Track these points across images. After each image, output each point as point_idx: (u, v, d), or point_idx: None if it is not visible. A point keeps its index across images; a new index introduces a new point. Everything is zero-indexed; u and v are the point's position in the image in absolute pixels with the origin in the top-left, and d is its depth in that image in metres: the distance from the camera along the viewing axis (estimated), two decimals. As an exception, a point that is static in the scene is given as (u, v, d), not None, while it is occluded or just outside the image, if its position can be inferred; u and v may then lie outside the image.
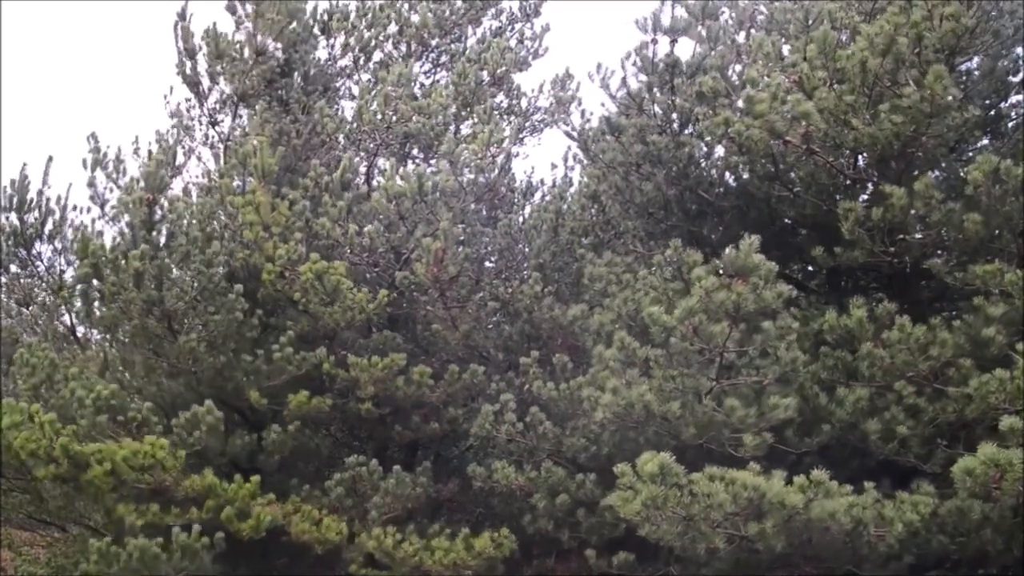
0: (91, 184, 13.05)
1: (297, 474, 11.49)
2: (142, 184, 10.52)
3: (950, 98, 8.72)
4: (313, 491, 11.02)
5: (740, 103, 10.11)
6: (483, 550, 10.58)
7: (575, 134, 12.95)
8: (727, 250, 7.99)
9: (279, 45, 13.34)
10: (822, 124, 9.15)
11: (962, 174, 9.74)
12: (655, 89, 11.18)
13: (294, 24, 13.29)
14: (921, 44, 8.79)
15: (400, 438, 11.92)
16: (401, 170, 11.77)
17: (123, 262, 10.36)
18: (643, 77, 11.35)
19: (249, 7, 13.46)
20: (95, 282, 10.70)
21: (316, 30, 13.91)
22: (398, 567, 10.61)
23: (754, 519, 7.47)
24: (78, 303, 11.54)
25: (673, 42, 11.24)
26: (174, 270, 10.78)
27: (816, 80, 9.31)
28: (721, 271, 8.05)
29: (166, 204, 10.82)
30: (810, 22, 10.63)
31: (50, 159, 12.74)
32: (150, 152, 12.96)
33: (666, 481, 7.42)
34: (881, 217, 8.95)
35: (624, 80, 11.43)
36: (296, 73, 13.67)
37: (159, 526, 10.26)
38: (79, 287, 11.14)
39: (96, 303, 11.06)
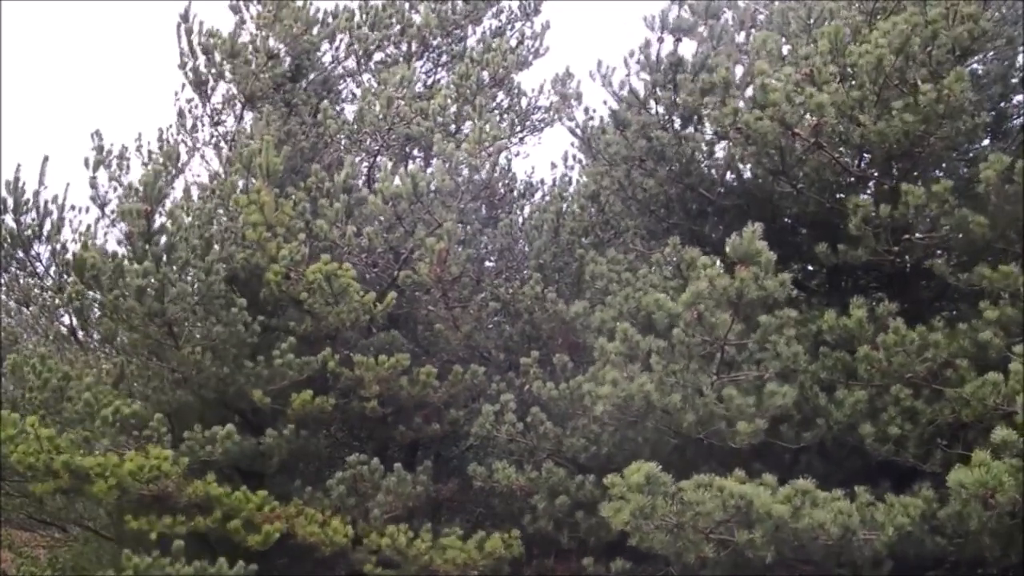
0: (92, 185, 13.05)
1: (299, 476, 11.50)
2: (141, 194, 10.51)
3: (967, 101, 8.66)
4: (315, 492, 11.02)
5: (740, 103, 10.06)
6: (494, 550, 10.58)
7: (578, 130, 12.93)
8: (732, 236, 7.93)
9: (290, 50, 13.35)
10: (834, 119, 9.11)
11: (963, 173, 9.70)
12: (658, 88, 11.16)
13: (307, 34, 13.30)
14: (935, 43, 8.74)
15: (401, 438, 11.93)
16: (398, 171, 11.75)
17: (121, 276, 10.36)
18: (646, 75, 11.33)
19: (254, 9, 13.48)
20: (92, 294, 10.70)
21: (322, 33, 13.91)
22: (408, 565, 10.61)
23: (744, 527, 7.43)
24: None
25: (677, 41, 11.25)
26: (175, 280, 10.76)
27: (827, 74, 9.27)
28: (725, 259, 8.02)
29: (165, 213, 10.80)
30: (812, 20, 10.59)
31: (46, 159, 12.73)
32: (150, 153, 12.98)
33: (654, 490, 7.39)
34: (889, 215, 8.90)
35: (627, 78, 11.43)
36: (303, 78, 13.68)
37: (165, 534, 10.29)
38: (74, 304, 11.15)
39: (95, 312, 11.08)
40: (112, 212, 12.89)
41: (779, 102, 9.11)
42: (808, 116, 9.07)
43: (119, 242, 12.06)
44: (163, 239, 10.58)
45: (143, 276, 10.21)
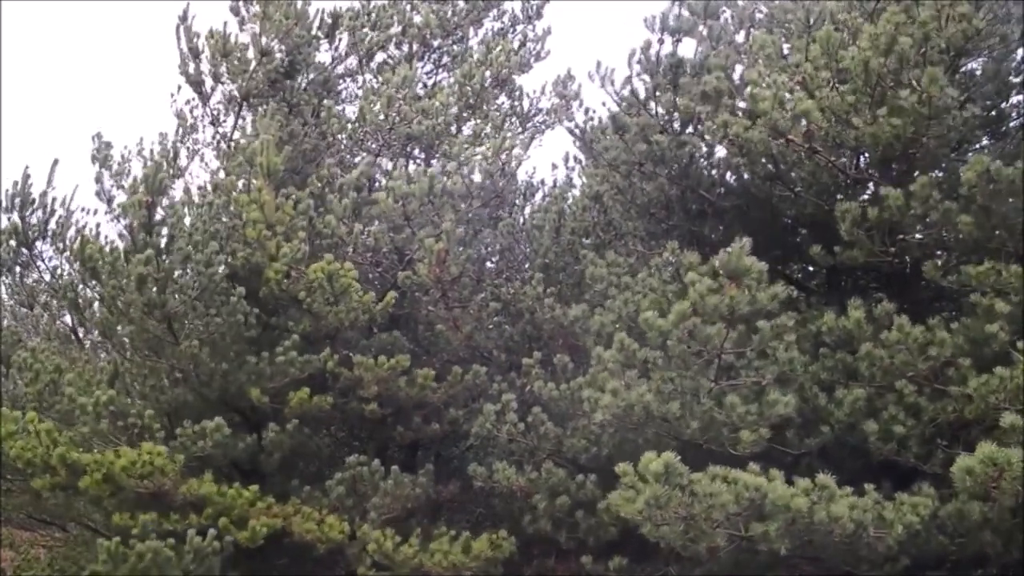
0: (98, 180, 13.10)
1: (298, 475, 11.50)
2: (142, 187, 10.54)
3: (949, 99, 8.68)
4: (314, 492, 11.03)
5: (741, 103, 10.09)
6: (481, 551, 10.58)
7: (578, 132, 12.94)
8: (720, 252, 7.96)
9: (283, 47, 13.36)
10: (823, 122, 9.12)
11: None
12: (658, 90, 11.17)
13: (298, 28, 13.31)
14: (927, 44, 8.76)
15: (401, 438, 11.94)
16: (408, 171, 11.78)
17: (123, 265, 10.36)
18: (647, 77, 11.34)
19: (252, 8, 13.50)
20: (92, 285, 10.70)
21: (320, 33, 13.93)
22: (398, 569, 10.61)
23: (757, 520, 7.45)
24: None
25: (677, 42, 11.25)
26: (176, 272, 10.76)
27: (820, 80, 9.28)
28: (717, 274, 8.02)
29: (165, 205, 10.80)
30: (811, 22, 10.60)
31: (56, 162, 12.84)
32: (152, 152, 13.01)
33: (670, 481, 7.39)
34: (878, 217, 8.93)
35: (629, 79, 11.43)
36: (300, 75, 13.69)
37: (159, 531, 10.27)
38: (68, 297, 11.13)
39: (94, 305, 11.07)
40: (116, 207, 12.93)
41: (768, 111, 9.13)
42: (803, 121, 9.09)
43: (120, 236, 12.08)
44: (164, 232, 10.60)
45: (145, 264, 10.21)
